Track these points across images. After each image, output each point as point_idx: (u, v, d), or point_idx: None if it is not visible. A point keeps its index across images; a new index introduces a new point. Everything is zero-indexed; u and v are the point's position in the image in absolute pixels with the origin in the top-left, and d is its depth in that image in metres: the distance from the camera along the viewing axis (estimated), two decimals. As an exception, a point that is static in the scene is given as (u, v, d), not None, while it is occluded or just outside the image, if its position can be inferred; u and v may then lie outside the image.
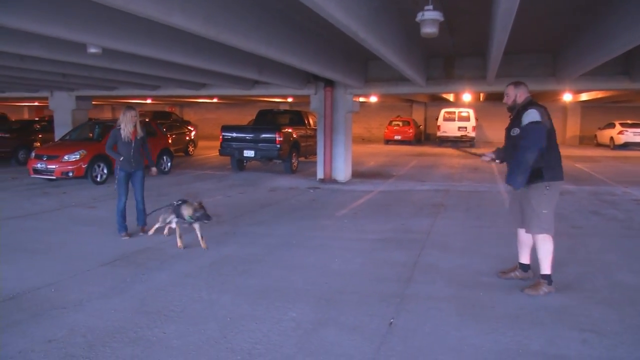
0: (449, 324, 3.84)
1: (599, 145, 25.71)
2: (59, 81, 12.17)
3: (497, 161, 5.08)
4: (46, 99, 16.02)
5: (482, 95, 25.52)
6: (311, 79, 12.28)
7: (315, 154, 13.12)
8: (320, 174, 12.34)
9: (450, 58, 11.59)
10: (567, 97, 21.17)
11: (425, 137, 30.37)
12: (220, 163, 15.76)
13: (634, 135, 23.27)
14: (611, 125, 24.45)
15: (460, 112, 25.34)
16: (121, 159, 6.33)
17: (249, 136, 13.48)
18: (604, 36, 7.03)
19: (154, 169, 7.06)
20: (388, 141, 26.87)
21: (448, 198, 9.92)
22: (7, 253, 5.61)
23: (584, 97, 21.69)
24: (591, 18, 7.28)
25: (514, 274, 4.88)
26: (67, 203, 8.89)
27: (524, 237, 4.71)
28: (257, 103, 27.09)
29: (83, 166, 10.81)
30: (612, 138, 24.14)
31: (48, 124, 17.38)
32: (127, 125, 6.33)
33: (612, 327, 3.79)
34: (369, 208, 8.83)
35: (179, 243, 5.95)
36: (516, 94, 4.57)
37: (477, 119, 25.81)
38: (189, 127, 20.15)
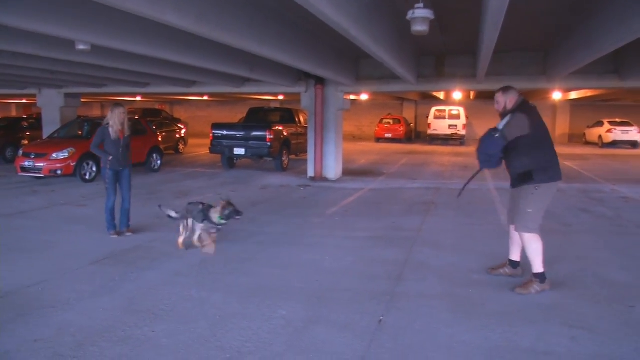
0: (440, 321, 3.85)
1: (588, 143, 25.93)
2: (47, 78, 12.06)
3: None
4: (34, 96, 15.85)
5: (472, 93, 25.66)
6: (302, 76, 12.26)
7: (306, 151, 13.11)
8: (311, 172, 12.34)
9: (441, 56, 11.62)
10: (556, 95, 21.34)
11: (416, 135, 30.46)
12: (211, 161, 15.70)
13: (622, 133, 23.50)
14: (600, 124, 24.67)
15: (451, 111, 25.44)
16: (110, 158, 6.24)
17: (239, 134, 13.43)
18: (593, 35, 7.08)
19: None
20: (379, 139, 26.91)
21: (439, 196, 9.95)
22: (-5, 252, 5.56)
23: (574, 95, 21.87)
24: (581, 17, 7.32)
25: (503, 270, 4.92)
26: (56, 201, 8.82)
27: (515, 235, 4.74)
28: (248, 101, 27.03)
29: (72, 164, 10.71)
30: (600, 136, 24.36)
31: (36, 122, 17.21)
32: (115, 123, 6.26)
33: (601, 323, 3.82)
34: (360, 206, 8.84)
35: (181, 242, 5.72)
36: (506, 101, 4.57)
37: (467, 117, 25.93)
38: (180, 125, 20.06)
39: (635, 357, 3.30)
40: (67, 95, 15.31)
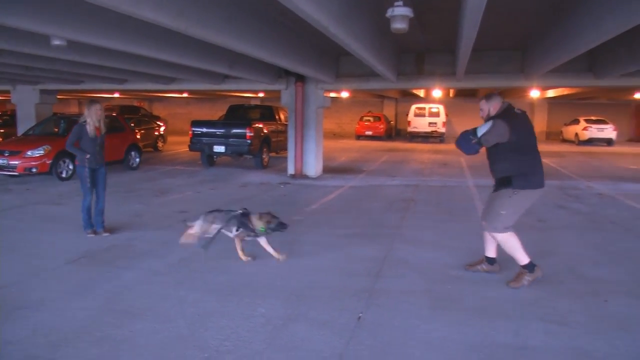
0: (418, 317, 3.88)
1: (565, 140, 26.40)
2: (21, 74, 11.80)
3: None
4: (8, 92, 15.52)
5: (452, 91, 25.89)
6: (282, 74, 12.21)
7: (286, 149, 13.09)
8: (291, 170, 12.33)
9: (421, 54, 11.69)
10: (534, 93, 21.63)
11: (396, 132, 30.64)
12: (191, 159, 15.56)
13: (598, 131, 23.98)
14: (576, 122, 25.14)
15: (431, 108, 25.66)
16: (87, 156, 6.10)
17: (219, 131, 13.35)
18: (569, 34, 7.20)
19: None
20: (359, 137, 26.99)
21: (418, 193, 10.03)
22: (-33, 252, 5.43)
23: (551, 93, 22.20)
24: (558, 15, 7.43)
25: (480, 267, 4.98)
26: (31, 200, 8.65)
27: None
28: (228, 98, 26.87)
29: (47, 162, 10.52)
30: (577, 134, 24.82)
31: (10, 119, 16.84)
32: (93, 120, 6.14)
33: (575, 317, 3.90)
34: (340, 203, 8.86)
35: (243, 256, 5.29)
36: (489, 108, 4.61)
37: (447, 115, 26.18)
38: (159, 122, 19.82)
39: (609, 350, 3.37)
40: (42, 91, 15.01)
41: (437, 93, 22.15)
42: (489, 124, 4.41)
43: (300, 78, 11.93)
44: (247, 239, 5.31)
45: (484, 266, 4.96)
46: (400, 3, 5.54)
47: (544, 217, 7.71)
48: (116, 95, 23.36)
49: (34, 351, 3.26)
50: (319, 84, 12.15)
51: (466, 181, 11.75)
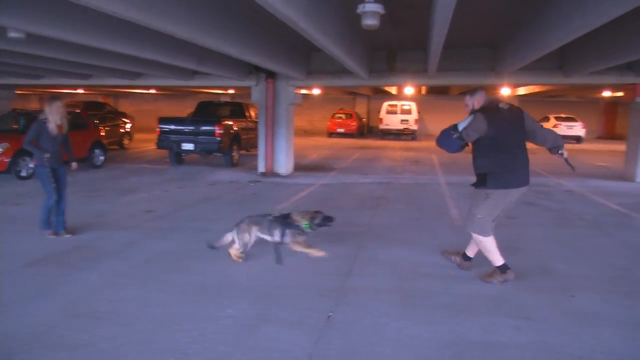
0: (388, 316, 3.90)
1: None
2: (-23, 68, 11.43)
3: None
4: (-36, 87, 15.02)
5: (424, 88, 26.16)
6: (252, 70, 12.13)
7: (256, 146, 13.01)
8: (261, 167, 12.26)
9: (393, 51, 11.77)
10: (505, 91, 22.01)
11: (369, 129, 30.82)
12: (158, 157, 15.32)
13: (567, 128, 24.57)
14: (546, 119, 25.70)
15: (403, 105, 25.87)
16: (47, 155, 5.88)
17: (188, 128, 13.17)
18: (539, 31, 7.35)
19: (74, 164, 6.48)
20: (331, 134, 27.06)
21: (390, 190, 10.09)
22: None
23: (522, 91, 22.64)
24: (528, 14, 7.57)
25: (454, 257, 5.09)
26: (-13, 200, 8.38)
27: None
28: (197, 94, 26.54)
29: (6, 160, 10.19)
30: (546, 131, 25.38)
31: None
32: (54, 118, 5.94)
33: (543, 313, 3.98)
34: (311, 201, 8.85)
35: (317, 252, 5.11)
36: (473, 103, 4.64)
37: (419, 112, 26.43)
38: (124, 119, 19.45)
39: (576, 345, 3.45)
40: (0, 86, 14.57)
41: (409, 90, 22.35)
42: (470, 117, 4.45)
43: (271, 74, 11.87)
44: (300, 239, 5.16)
45: (457, 258, 5.05)
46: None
47: (514, 214, 7.84)
48: (80, 91, 22.82)
49: (-12, 358, 3.16)
50: (290, 80, 12.11)
51: (437, 178, 11.88)
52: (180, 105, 29.33)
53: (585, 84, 13.67)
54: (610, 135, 29.59)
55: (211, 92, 26.16)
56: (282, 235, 5.11)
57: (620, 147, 14.46)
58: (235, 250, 5.23)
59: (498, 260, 4.58)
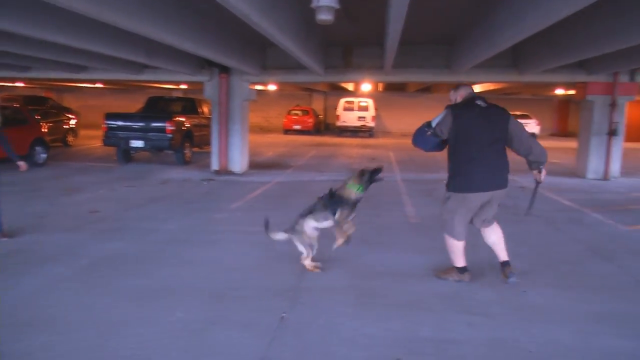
0: (344, 315, 3.92)
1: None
2: None
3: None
4: None
5: (381, 85, 26.48)
6: (205, 64, 11.94)
7: (210, 144, 12.84)
8: (215, 165, 12.11)
9: (350, 47, 11.85)
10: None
11: (325, 126, 30.92)
12: (105, 154, 14.87)
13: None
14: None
15: (360, 102, 26.10)
16: None
17: (137, 125, 12.85)
18: (493, 29, 7.54)
19: (21, 163, 6.12)
20: (287, 131, 27.01)
21: (347, 188, 10.14)
22: None
23: (477, 88, 23.23)
24: (483, 11, 7.76)
25: (503, 274, 4.68)
26: None
27: (486, 235, 4.74)
28: (148, 89, 25.95)
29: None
30: (501, 129, 26.21)
31: None
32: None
33: (496, 309, 4.09)
34: (266, 200, 8.81)
35: (310, 264, 4.87)
36: (456, 97, 4.55)
37: (376, 109, 26.72)
38: (69, 115, 18.79)
39: (527, 340, 3.56)
40: None
41: (366, 87, 22.59)
42: (442, 113, 4.38)
43: (225, 69, 11.73)
44: (350, 218, 4.89)
45: (505, 272, 4.63)
46: (326, -7, 5.56)
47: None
48: (19, 84, 21.92)
49: None
50: (244, 75, 12.00)
51: (394, 175, 12.03)
52: (129, 101, 28.51)
53: (538, 81, 14.17)
54: (563, 132, 30.76)
55: (162, 87, 25.63)
56: (335, 216, 4.75)
57: (573, 144, 15.04)
58: (306, 261, 4.87)
59: (459, 262, 4.61)
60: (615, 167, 12.27)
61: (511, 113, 4.46)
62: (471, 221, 4.56)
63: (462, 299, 4.30)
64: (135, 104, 25.74)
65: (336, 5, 5.70)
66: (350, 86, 25.64)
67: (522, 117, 25.84)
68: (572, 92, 15.09)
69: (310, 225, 4.86)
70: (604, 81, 11.76)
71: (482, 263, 5.25)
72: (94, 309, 3.95)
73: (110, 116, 13.13)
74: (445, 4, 7.75)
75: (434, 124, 4.37)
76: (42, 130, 13.25)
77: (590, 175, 12.06)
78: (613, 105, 11.79)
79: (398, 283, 4.68)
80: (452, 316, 3.93)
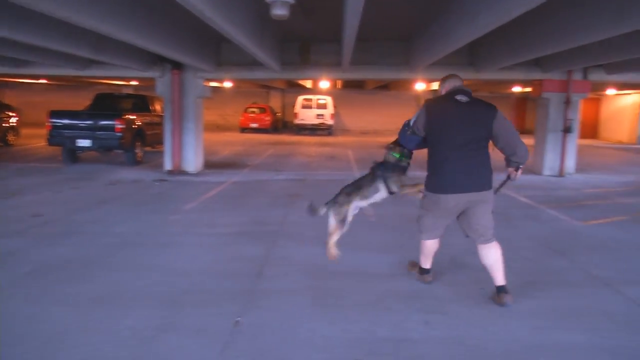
0: (300, 317, 3.92)
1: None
2: None
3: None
4: None
5: (339, 82, 26.59)
6: (157, 60, 11.72)
7: (162, 143, 12.61)
8: (168, 165, 11.90)
9: (307, 43, 11.86)
10: (420, 86, 22.90)
11: (283, 124, 30.85)
12: (50, 154, 14.40)
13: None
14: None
15: (318, 100, 26.18)
16: None
17: (84, 123, 12.47)
18: (449, 27, 7.70)
19: None
20: (244, 129, 26.80)
21: (304, 187, 10.17)
22: None
23: (436, 86, 23.56)
24: (440, 8, 7.91)
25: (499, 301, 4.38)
26: None
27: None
28: (96, 85, 25.27)
29: None
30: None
31: None
32: None
33: (454, 307, 4.17)
34: (221, 200, 8.73)
35: (333, 249, 4.94)
36: (442, 90, 4.35)
37: (335, 107, 26.85)
38: (9, 113, 18.07)
39: (483, 337, 3.65)
40: None
41: (324, 84, 22.62)
42: (420, 110, 4.26)
43: (178, 65, 11.54)
44: (407, 179, 4.74)
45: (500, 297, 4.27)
46: (280, -12, 5.55)
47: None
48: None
49: None
50: (198, 72, 11.84)
51: (353, 174, 12.10)
52: (75, 98, 27.66)
53: (496, 79, 14.51)
54: (520, 129, 31.62)
55: (111, 84, 24.99)
56: (387, 184, 4.66)
57: (530, 141, 15.54)
58: (332, 239, 4.95)
59: (423, 263, 4.64)
60: (570, 163, 12.73)
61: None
62: (467, 235, 4.38)
63: (421, 297, 4.36)
64: (82, 101, 25.03)
65: (291, 0, 5.70)
66: (308, 83, 25.65)
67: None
68: (528, 89, 15.55)
69: (357, 205, 4.89)
70: (559, 79, 12.19)
71: (442, 262, 5.33)
72: (37, 319, 3.81)
73: (55, 114, 12.70)
74: (402, 0, 7.86)
75: (411, 123, 4.28)
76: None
77: (547, 171, 12.47)
78: (567, 102, 12.23)
79: (357, 283, 4.71)
80: (411, 315, 3.99)
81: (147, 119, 13.88)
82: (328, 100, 26.26)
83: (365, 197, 4.88)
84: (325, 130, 26.32)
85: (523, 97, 30.00)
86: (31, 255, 5.34)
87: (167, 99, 11.98)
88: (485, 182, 4.13)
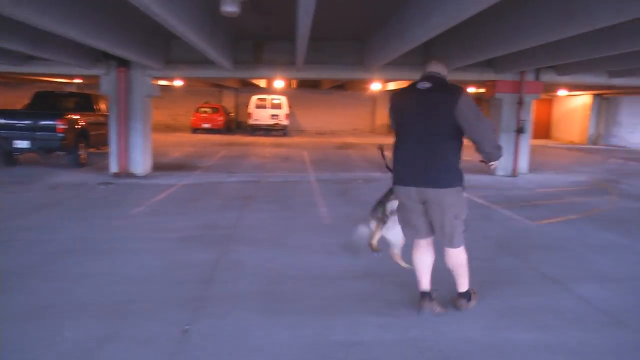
0: (252, 323, 3.90)
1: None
2: None
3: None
4: None
5: (294, 82, 26.63)
6: (102, 57, 11.42)
7: (108, 144, 12.29)
8: (114, 168, 11.61)
9: (260, 41, 11.82)
10: (375, 86, 23.18)
11: (237, 125, 30.62)
12: (-15, 156, 13.82)
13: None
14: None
15: (273, 99, 26.13)
16: None
17: (22, 123, 12.01)
18: (402, 27, 7.83)
19: None
20: (196, 130, 26.44)
21: (258, 189, 10.13)
22: None
23: (392, 86, 23.94)
24: (394, 8, 8.03)
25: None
26: None
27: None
28: (36, 83, 24.39)
29: None
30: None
31: None
32: None
33: (406, 309, 4.23)
34: (171, 204, 8.59)
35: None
36: None
37: (290, 107, 26.84)
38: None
39: (435, 338, 3.73)
40: None
41: (279, 83, 22.60)
42: None
43: (124, 63, 11.27)
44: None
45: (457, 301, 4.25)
46: (230, -16, 5.52)
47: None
48: None
49: None
50: (146, 70, 11.60)
51: (308, 176, 12.15)
52: (13, 96, 26.68)
53: (450, 80, 14.83)
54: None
55: (53, 81, 24.17)
56: None
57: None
58: (397, 251, 4.50)
59: (419, 283, 4.21)
60: (524, 163, 13.16)
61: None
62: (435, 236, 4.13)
63: (374, 299, 4.42)
64: (21, 99, 24.16)
65: (241, -3, 5.68)
66: (262, 83, 25.53)
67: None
68: (482, 90, 15.98)
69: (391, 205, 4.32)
70: (512, 80, 12.59)
71: (395, 264, 5.42)
72: (-33, 332, 3.65)
73: (-10, 113, 12.21)
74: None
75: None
76: None
77: (500, 172, 12.83)
78: (520, 103, 12.64)
79: (310, 286, 4.73)
80: (364, 318, 4.03)
81: (92, 118, 13.51)
82: (283, 100, 26.23)
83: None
84: (280, 131, 26.27)
85: (478, 98, 30.77)
86: (-37, 264, 5.11)
87: (112, 97, 11.68)
88: (438, 179, 3.80)
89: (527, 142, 13.16)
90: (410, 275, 5.00)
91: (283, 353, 3.47)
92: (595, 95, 25.41)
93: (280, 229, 6.99)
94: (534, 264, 5.63)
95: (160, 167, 12.84)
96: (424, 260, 4.16)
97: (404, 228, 4.25)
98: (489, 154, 3.93)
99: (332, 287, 4.73)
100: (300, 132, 29.75)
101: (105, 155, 12.80)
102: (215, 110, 27.03)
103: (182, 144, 20.25)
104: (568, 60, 10.10)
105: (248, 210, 8.17)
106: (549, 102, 28.70)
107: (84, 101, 14.24)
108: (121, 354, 3.39)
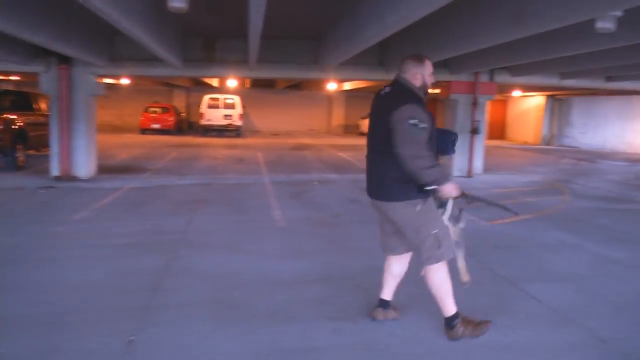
0: (201, 332, 3.84)
1: (363, 134, 28.96)
2: None
3: None
4: None
5: (247, 81, 26.47)
6: (40, 53, 11.03)
7: (49, 145, 11.89)
8: (55, 171, 11.23)
9: (212, 39, 11.69)
10: (331, 86, 23.32)
11: (189, 125, 30.21)
12: None
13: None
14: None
15: (226, 99, 25.90)
16: None
17: (-48, 124, 11.51)
18: (357, 26, 7.88)
19: None
20: (144, 130, 25.89)
21: (210, 192, 10.00)
22: None
23: (348, 86, 24.14)
24: (346, 7, 8.07)
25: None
26: None
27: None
28: (-31, 81, 23.44)
29: None
30: (372, 127, 27.52)
31: None
32: None
33: (360, 312, 4.25)
34: (117, 208, 8.38)
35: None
36: None
37: (244, 107, 26.67)
38: None
39: (391, 341, 3.76)
40: None
41: (232, 83, 22.42)
42: None
43: (65, 60, 10.92)
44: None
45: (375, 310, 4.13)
46: (177, -22, 5.43)
47: (338, 212, 8.34)
48: None
49: None
50: (90, 67, 11.28)
51: (262, 178, 12.08)
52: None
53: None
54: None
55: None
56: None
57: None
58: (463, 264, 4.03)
59: (381, 291, 4.14)
60: (478, 164, 13.48)
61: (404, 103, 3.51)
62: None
63: (327, 304, 4.42)
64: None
65: (190, -8, 5.60)
66: (214, 82, 25.29)
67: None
68: (438, 91, 16.27)
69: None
70: (466, 80, 12.88)
71: (352, 266, 5.46)
72: None
73: None
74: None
75: None
76: None
77: (456, 172, 13.09)
78: (475, 104, 12.94)
79: (262, 292, 4.69)
80: (318, 323, 4.03)
81: (31, 118, 13.05)
82: (236, 99, 26.03)
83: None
84: (233, 132, 26.04)
85: (434, 99, 31.36)
86: None
87: (53, 96, 11.29)
88: (386, 192, 3.64)
89: (482, 143, 13.49)
90: (366, 278, 5.06)
91: (233, 362, 3.43)
92: (549, 96, 26.31)
93: (232, 233, 6.92)
94: (489, 264, 5.76)
95: (106, 169, 12.52)
96: (392, 268, 4.03)
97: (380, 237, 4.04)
98: (419, 179, 3.48)
99: (286, 292, 4.71)
100: (255, 132, 29.60)
101: (46, 158, 12.37)
102: (166, 110, 26.57)
103: (130, 145, 19.81)
104: (520, 61, 10.41)
105: (199, 214, 8.05)
106: (504, 102, 29.51)
107: (22, 100, 13.74)
108: (60, 369, 3.28)
